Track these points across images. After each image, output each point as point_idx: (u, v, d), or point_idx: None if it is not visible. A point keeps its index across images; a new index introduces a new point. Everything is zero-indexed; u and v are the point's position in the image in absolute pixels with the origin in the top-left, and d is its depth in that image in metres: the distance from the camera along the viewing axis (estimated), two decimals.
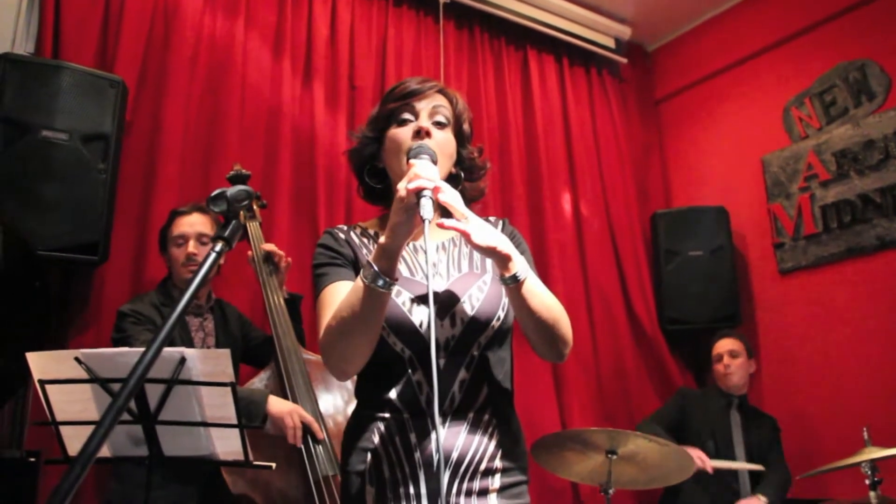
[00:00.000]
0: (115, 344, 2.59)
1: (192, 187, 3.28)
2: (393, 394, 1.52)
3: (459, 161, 1.69)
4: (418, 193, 1.33)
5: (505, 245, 1.42)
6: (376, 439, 1.53)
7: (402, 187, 1.35)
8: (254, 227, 2.99)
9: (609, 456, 2.80)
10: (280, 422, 2.46)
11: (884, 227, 3.99)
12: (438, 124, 1.61)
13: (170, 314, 0.94)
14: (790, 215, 4.43)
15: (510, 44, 4.73)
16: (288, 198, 3.56)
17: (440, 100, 1.65)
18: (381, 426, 1.53)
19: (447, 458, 1.49)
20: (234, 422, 1.90)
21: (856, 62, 4.21)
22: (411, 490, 1.49)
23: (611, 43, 5.05)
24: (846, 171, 4.18)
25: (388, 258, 1.39)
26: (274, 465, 2.10)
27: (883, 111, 4.06)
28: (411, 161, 1.44)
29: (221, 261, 2.95)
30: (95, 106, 2.89)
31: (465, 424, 1.52)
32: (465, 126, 1.70)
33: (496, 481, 1.53)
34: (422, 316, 1.52)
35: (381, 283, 1.38)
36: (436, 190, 1.36)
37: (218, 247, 1.07)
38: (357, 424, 1.60)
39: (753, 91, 4.74)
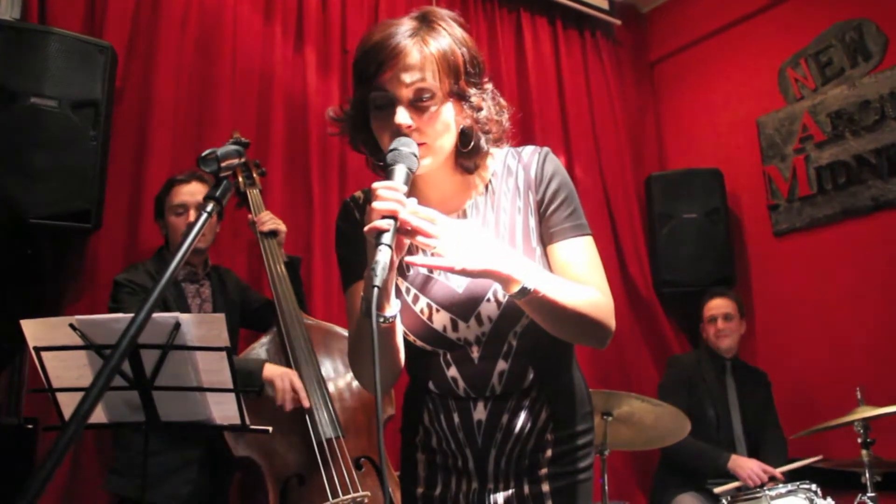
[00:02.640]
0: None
1: (185, 154, 3.25)
2: (431, 384, 1.51)
3: (471, 112, 1.41)
4: (376, 237, 1.16)
5: (499, 262, 1.24)
6: (425, 416, 1.55)
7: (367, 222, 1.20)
8: (254, 195, 2.99)
9: (605, 417, 2.82)
10: (270, 385, 2.51)
11: (878, 188, 3.99)
12: (419, 103, 1.33)
13: (161, 276, 0.94)
14: (785, 177, 4.42)
15: (503, 6, 4.67)
16: (281, 162, 3.54)
17: (414, 64, 1.32)
18: (429, 404, 1.53)
19: (491, 438, 1.47)
20: (231, 386, 1.91)
21: (852, 21, 4.16)
22: (459, 464, 1.51)
23: (605, 4, 5.00)
24: (841, 131, 4.16)
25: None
26: (270, 428, 2.13)
27: (879, 71, 4.03)
28: (373, 186, 1.22)
29: (217, 228, 2.94)
30: (84, 72, 2.85)
31: (509, 404, 1.47)
32: (459, 63, 1.37)
33: (547, 453, 1.49)
34: (444, 320, 1.43)
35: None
36: (403, 224, 1.19)
37: (209, 207, 1.06)
38: (410, 398, 1.61)
39: (749, 52, 4.70)
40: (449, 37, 1.37)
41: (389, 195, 1.19)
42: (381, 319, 1.27)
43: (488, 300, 1.40)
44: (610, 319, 1.40)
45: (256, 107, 3.56)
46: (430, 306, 1.44)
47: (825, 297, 4.17)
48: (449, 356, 1.46)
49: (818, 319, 4.18)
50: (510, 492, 1.47)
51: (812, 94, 4.34)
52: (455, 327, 1.43)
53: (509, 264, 1.26)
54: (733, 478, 3.36)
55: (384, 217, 1.18)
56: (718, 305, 3.86)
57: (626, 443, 3.08)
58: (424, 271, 1.45)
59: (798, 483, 2.96)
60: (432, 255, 1.26)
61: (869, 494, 2.85)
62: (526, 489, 1.47)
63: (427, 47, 1.34)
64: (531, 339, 1.44)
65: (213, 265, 2.95)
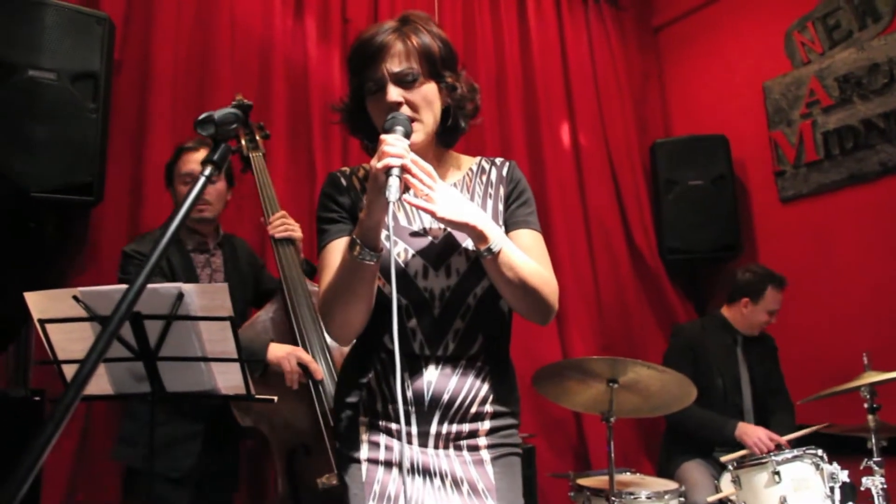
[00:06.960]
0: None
1: (186, 124, 3.22)
2: (387, 339, 1.59)
3: (448, 93, 1.61)
4: (387, 171, 1.35)
5: (476, 218, 1.45)
6: (371, 375, 1.62)
7: (373, 165, 1.39)
8: (257, 159, 2.89)
9: (610, 385, 2.81)
10: (278, 367, 2.48)
11: (887, 153, 3.94)
12: (406, 84, 1.54)
13: (157, 244, 0.92)
14: (791, 142, 4.37)
15: None
16: (283, 134, 3.52)
17: (398, 52, 1.54)
18: (377, 364, 1.61)
19: (437, 400, 1.56)
20: (235, 356, 1.91)
21: None
22: (403, 428, 1.56)
23: None
24: (849, 96, 4.11)
25: (369, 233, 1.44)
26: (276, 398, 2.12)
27: (889, 33, 3.96)
28: (382, 137, 1.42)
29: (228, 196, 2.84)
30: (82, 44, 2.84)
31: (458, 369, 1.58)
32: (436, 52, 1.58)
33: (486, 424, 1.61)
34: (417, 266, 1.56)
35: (365, 256, 1.44)
36: (404, 167, 1.38)
37: (207, 170, 1.05)
38: (354, 360, 1.68)
39: (755, 16, 4.63)
40: (427, 32, 1.58)
41: (397, 142, 1.39)
42: (370, 258, 1.44)
43: (459, 253, 1.57)
44: (555, 299, 1.58)
45: (257, 77, 3.54)
46: (406, 251, 1.58)
47: (832, 262, 4.14)
48: (411, 308, 1.57)
49: (825, 285, 4.16)
50: (452, 458, 1.57)
51: (819, 57, 4.28)
52: (426, 274, 1.57)
53: (485, 224, 1.47)
54: (740, 446, 3.36)
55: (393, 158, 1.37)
56: (780, 301, 3.72)
57: (633, 410, 3.07)
58: (405, 223, 1.61)
59: (804, 448, 2.96)
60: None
61: (875, 459, 2.85)
62: (468, 457, 1.58)
63: (409, 40, 1.56)
64: (487, 305, 1.61)
65: (226, 234, 2.86)
